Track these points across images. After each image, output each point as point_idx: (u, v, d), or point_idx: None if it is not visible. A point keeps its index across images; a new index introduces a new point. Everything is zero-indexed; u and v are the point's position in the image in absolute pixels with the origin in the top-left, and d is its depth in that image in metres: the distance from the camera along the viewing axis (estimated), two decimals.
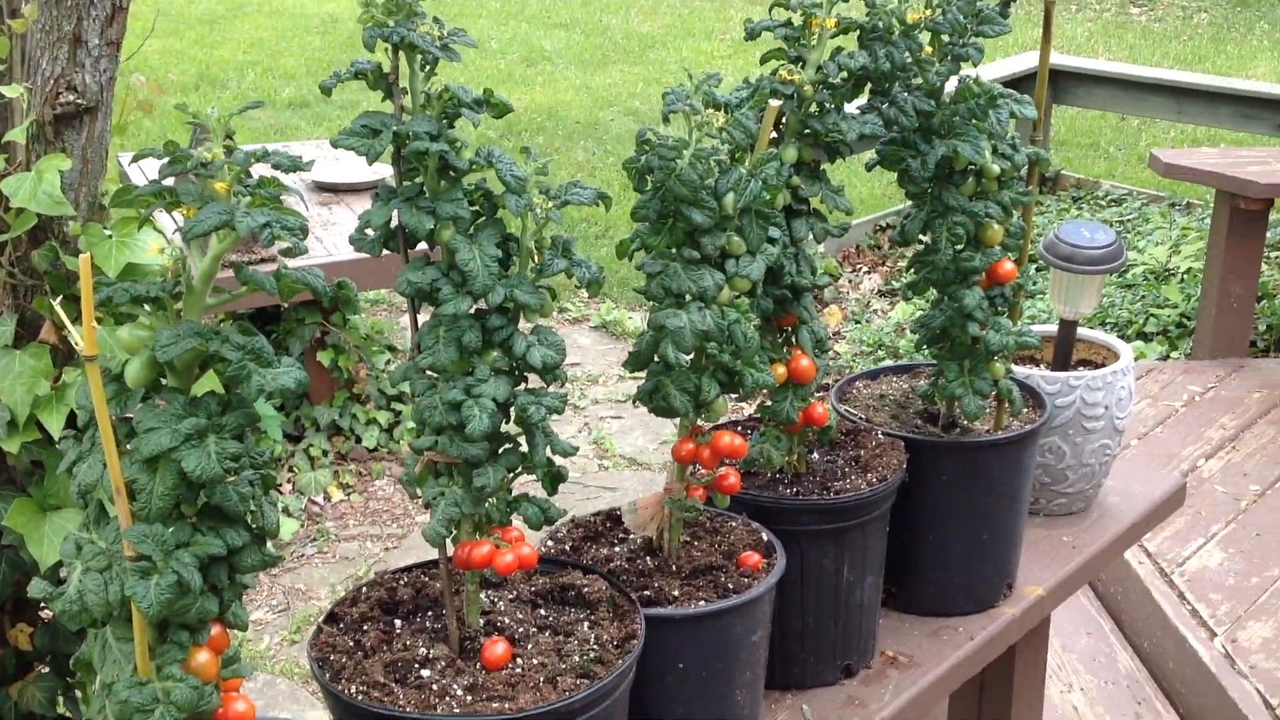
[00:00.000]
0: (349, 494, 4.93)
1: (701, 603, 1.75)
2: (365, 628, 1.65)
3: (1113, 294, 5.89)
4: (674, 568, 1.84)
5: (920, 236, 2.07)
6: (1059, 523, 2.52)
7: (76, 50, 1.48)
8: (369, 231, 1.58)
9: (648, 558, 1.86)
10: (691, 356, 1.78)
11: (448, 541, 1.63)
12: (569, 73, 11.49)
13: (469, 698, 1.53)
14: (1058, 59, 7.78)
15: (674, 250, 1.73)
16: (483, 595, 1.72)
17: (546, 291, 1.61)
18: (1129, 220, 6.81)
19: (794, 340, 1.99)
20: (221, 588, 1.24)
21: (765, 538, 1.91)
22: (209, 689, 1.23)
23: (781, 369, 1.95)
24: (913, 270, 2.11)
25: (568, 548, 1.90)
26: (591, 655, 1.60)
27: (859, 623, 2.07)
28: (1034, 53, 8.11)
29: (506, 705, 1.51)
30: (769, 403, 1.98)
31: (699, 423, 1.81)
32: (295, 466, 4.93)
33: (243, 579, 1.27)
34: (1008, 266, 2.08)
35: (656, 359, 1.74)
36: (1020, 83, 7.58)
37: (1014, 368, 2.43)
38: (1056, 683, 3.53)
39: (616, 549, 1.89)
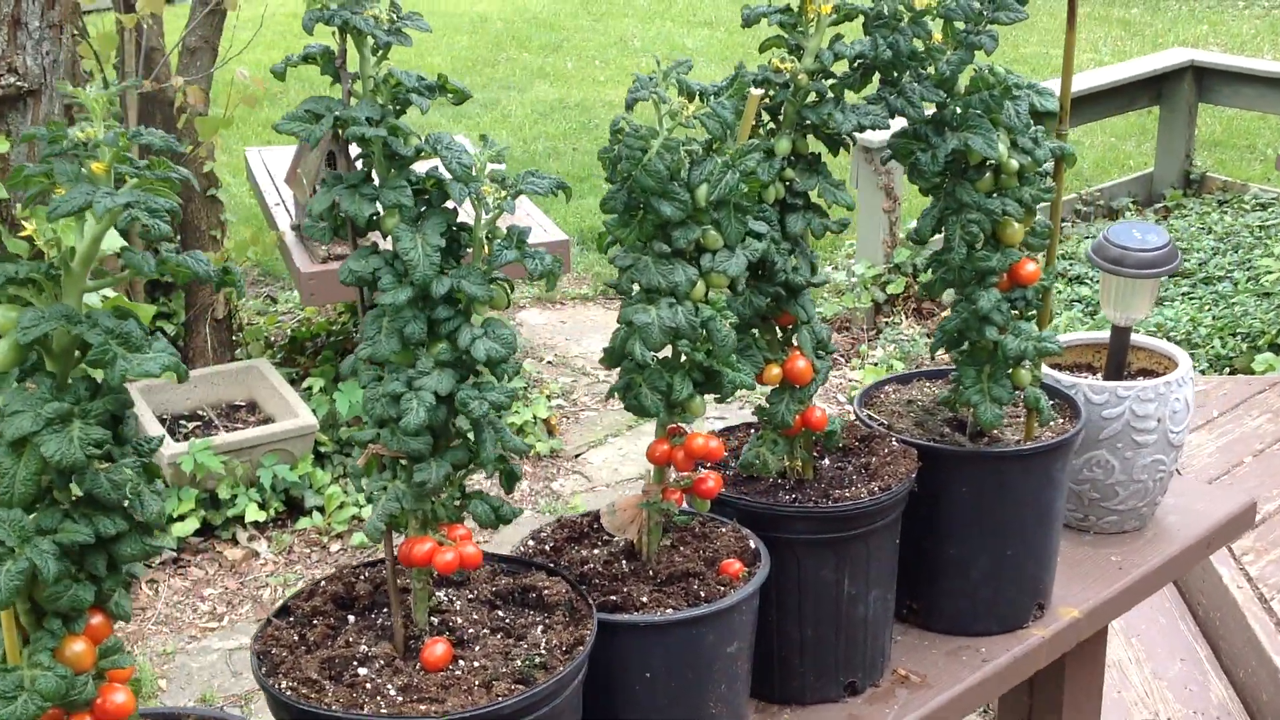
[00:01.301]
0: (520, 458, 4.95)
1: (670, 610, 1.69)
2: (315, 622, 1.62)
3: (1246, 302, 5.63)
4: (650, 572, 1.77)
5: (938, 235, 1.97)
6: (1109, 541, 2.38)
7: (16, 33, 1.48)
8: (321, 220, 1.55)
9: (625, 561, 1.80)
10: (670, 354, 1.71)
11: (398, 537, 1.59)
12: (708, 70, 11.43)
13: (400, 698, 1.49)
14: (1205, 56, 7.48)
15: (645, 244, 1.67)
16: (442, 594, 1.68)
17: (500, 284, 1.57)
18: (1270, 226, 6.50)
19: (793, 341, 1.91)
20: (100, 576, 1.21)
21: (752, 545, 1.83)
22: (82, 679, 1.21)
23: (776, 370, 1.87)
24: (929, 270, 2.01)
25: (548, 548, 1.85)
26: (535, 660, 1.55)
27: (864, 638, 1.98)
28: (1181, 49, 7.80)
29: (433, 708, 1.46)
30: (764, 405, 1.91)
31: (680, 424, 1.74)
32: None
33: (130, 569, 1.25)
34: (1030, 268, 1.97)
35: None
36: (1166, 79, 7.30)
37: (1062, 376, 2.31)
38: (1143, 710, 3.36)
39: (596, 551, 1.83)
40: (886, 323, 5.95)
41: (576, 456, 5.20)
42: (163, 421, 4.76)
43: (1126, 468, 2.32)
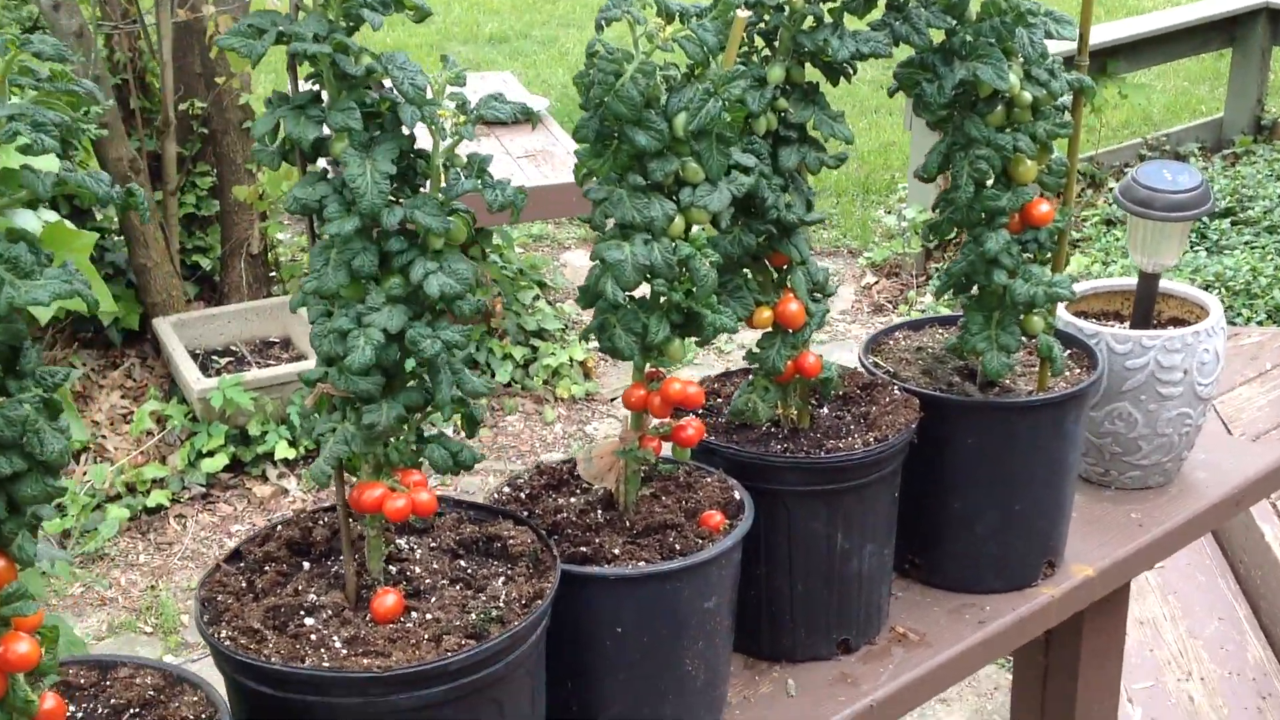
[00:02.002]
0: (481, 400, 4.89)
1: (642, 563, 1.60)
2: (266, 569, 1.56)
3: None
4: (627, 523, 1.69)
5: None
6: (1130, 498, 2.27)
7: None
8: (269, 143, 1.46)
9: (601, 511, 1.72)
10: (649, 294, 1.62)
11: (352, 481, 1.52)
12: None
13: (344, 651, 1.42)
14: None
15: (620, 176, 1.57)
16: (403, 541, 1.61)
17: (461, 216, 1.48)
18: None
19: (786, 282, 1.80)
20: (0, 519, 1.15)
21: (737, 496, 1.74)
22: None
23: (768, 313, 1.78)
24: (937, 209, 1.90)
25: (524, 495, 1.77)
26: (492, 614, 1.47)
27: (858, 594, 1.89)
28: None
29: (377, 662, 1.39)
30: (755, 350, 1.81)
31: (659, 368, 1.65)
32: None
33: (36, 511, 1.18)
34: (1044, 208, 1.85)
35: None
36: (1240, 21, 7.05)
37: (1085, 325, 2.19)
38: (1175, 670, 3.25)
39: (573, 500, 1.75)
40: (936, 268, 5.80)
41: (612, 400, 5.12)
42: (195, 357, 4.73)
43: (1150, 421, 2.20)
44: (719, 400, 1.98)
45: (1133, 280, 2.35)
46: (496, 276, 5.01)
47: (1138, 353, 2.16)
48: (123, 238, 4.80)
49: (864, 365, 2.04)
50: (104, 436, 4.51)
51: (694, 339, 1.65)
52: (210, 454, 4.48)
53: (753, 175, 1.65)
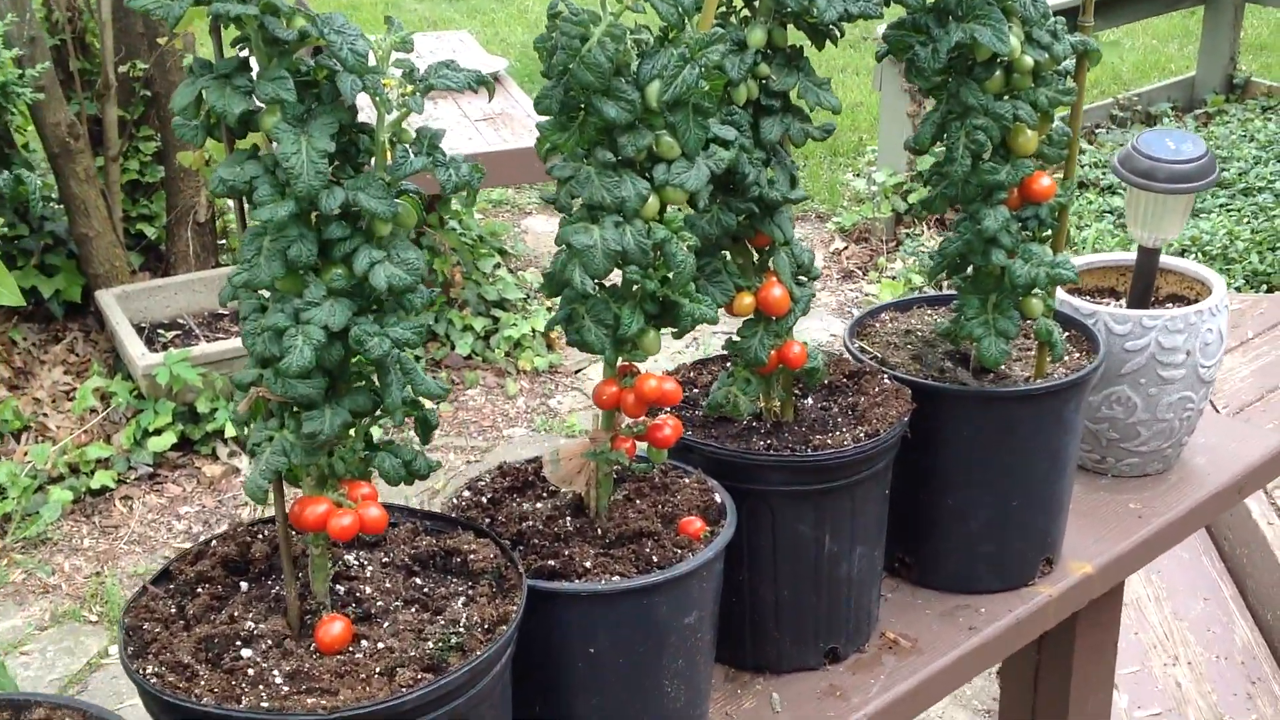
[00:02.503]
0: (438, 403, 4.72)
1: (615, 578, 1.46)
2: (199, 591, 1.40)
3: None
4: (599, 531, 1.55)
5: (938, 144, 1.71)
6: (1128, 486, 2.14)
7: None
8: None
9: (571, 518, 1.57)
10: (620, 282, 1.46)
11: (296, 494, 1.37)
12: None
13: (286, 688, 1.27)
14: None
15: (587, 152, 1.42)
16: (351, 556, 1.45)
17: (410, 198, 1.33)
18: None
19: (768, 265, 1.66)
20: None
21: (718, 500, 1.60)
22: None
23: (749, 299, 1.63)
24: (929, 183, 1.76)
25: (485, 499, 1.62)
26: (451, 641, 1.33)
27: (847, 599, 1.75)
28: None
29: (323, 700, 1.24)
30: (735, 338, 1.66)
31: (631, 361, 1.50)
32: None
33: None
34: (1045, 182, 1.71)
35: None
36: None
37: (1081, 303, 2.06)
38: (1161, 654, 3.14)
39: (539, 505, 1.60)
40: (907, 234, 5.67)
41: (577, 372, 4.97)
42: (140, 331, 4.55)
43: (1150, 405, 2.07)
44: (695, 390, 1.83)
45: (1128, 255, 2.22)
46: (455, 244, 4.84)
47: (1138, 333, 2.03)
48: (62, 206, 4.59)
49: (850, 351, 1.90)
50: (45, 415, 4.32)
51: (670, 330, 1.50)
52: (157, 432, 4.31)
53: (733, 149, 1.50)
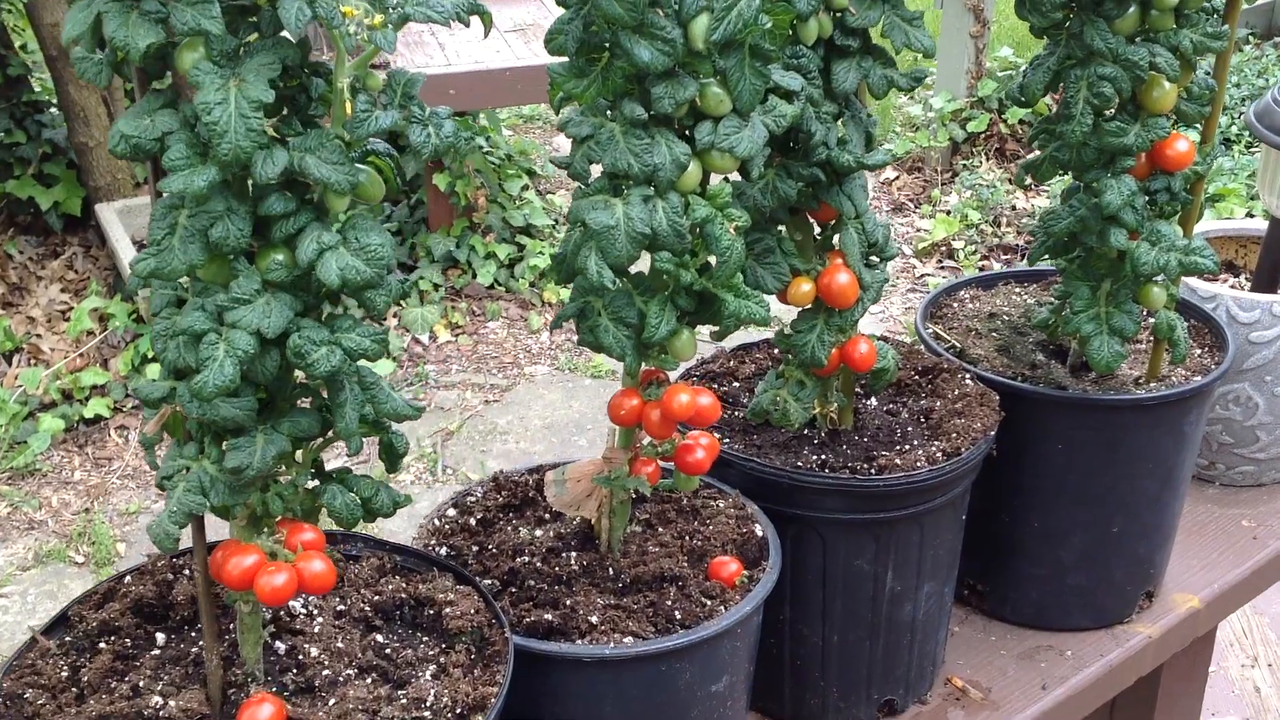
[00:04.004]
0: (457, 335, 4.43)
1: (627, 639, 1.16)
2: (101, 646, 1.11)
3: None
4: (610, 572, 1.25)
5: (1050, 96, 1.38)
6: (1240, 498, 1.83)
7: None
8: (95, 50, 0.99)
9: (577, 553, 1.27)
10: (648, 270, 1.15)
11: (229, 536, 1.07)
12: None
13: None
14: None
15: (611, 105, 1.10)
16: (300, 603, 1.16)
17: (381, 161, 1.02)
18: None
19: (833, 244, 1.34)
20: None
21: (759, 532, 1.30)
22: None
23: (807, 285, 1.31)
24: (1036, 143, 1.43)
25: (474, 521, 1.32)
26: None
27: (910, 645, 1.46)
28: None
29: None
30: (788, 332, 1.35)
31: (660, 368, 1.19)
32: (403, 299, 4.44)
33: None
34: (1181, 146, 1.38)
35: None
36: None
37: (1198, 284, 1.73)
38: (1238, 654, 2.84)
39: (540, 532, 1.30)
40: (964, 165, 5.30)
41: None
42: (143, 248, 4.25)
43: (1274, 407, 1.75)
44: (735, 384, 1.52)
45: (1253, 224, 1.89)
46: (481, 165, 4.50)
47: (1267, 322, 1.70)
48: (60, 112, 4.29)
49: (923, 339, 1.58)
50: (39, 336, 4.05)
51: (710, 329, 1.19)
52: (155, 359, 4.02)
53: (798, 102, 1.18)
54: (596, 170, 1.11)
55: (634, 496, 1.27)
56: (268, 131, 0.95)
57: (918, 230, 5.05)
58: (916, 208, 5.24)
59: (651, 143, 1.09)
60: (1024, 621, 1.61)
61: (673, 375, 1.22)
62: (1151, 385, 1.51)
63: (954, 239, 4.82)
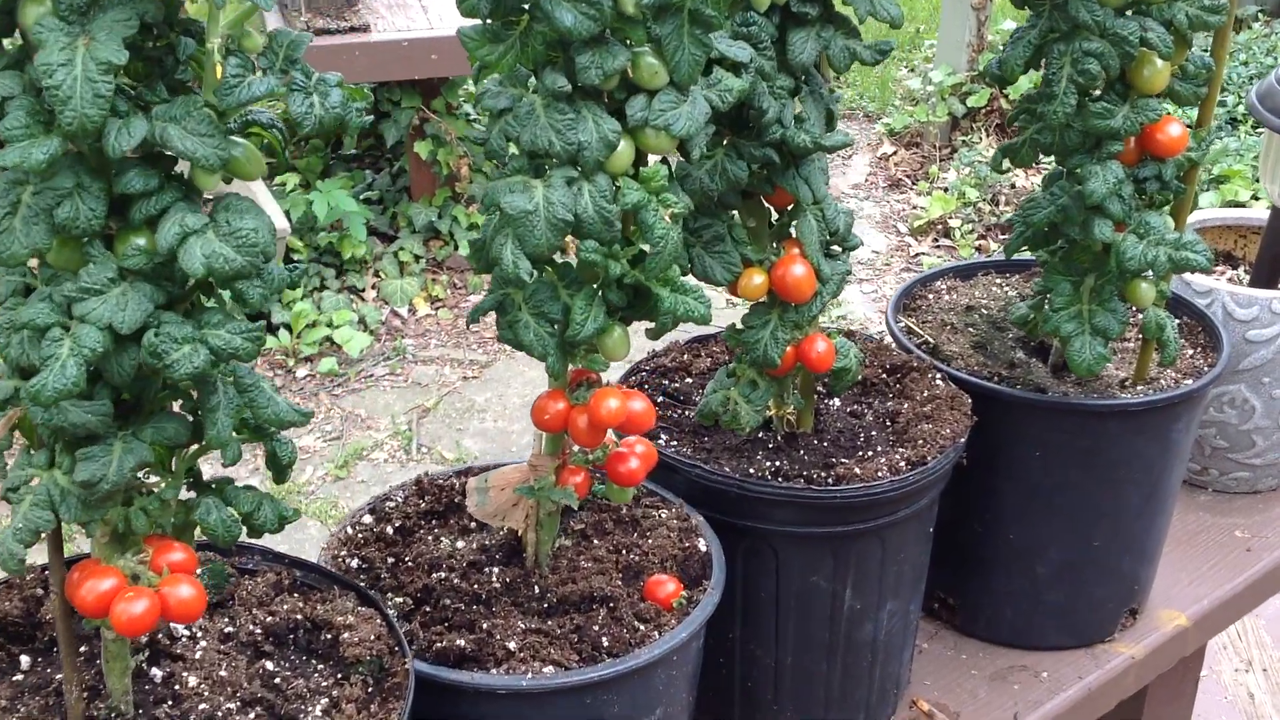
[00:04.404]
0: (437, 308, 4.31)
1: (548, 668, 1.05)
2: None
3: None
4: (536, 590, 1.14)
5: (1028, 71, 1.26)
6: (1233, 506, 1.72)
7: None
8: None
9: (501, 567, 1.16)
10: (575, 260, 1.03)
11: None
12: None
13: None
14: None
15: (533, 74, 0.98)
16: (180, 625, 1.05)
17: (270, 135, 0.89)
18: None
19: (790, 232, 1.22)
20: None
21: (702, 548, 1.19)
22: None
23: (760, 277, 1.19)
24: (1016, 124, 1.31)
25: (391, 530, 1.21)
26: None
27: (871, 667, 1.34)
28: None
29: None
30: (739, 328, 1.23)
31: (588, 368, 1.07)
32: (382, 271, 4.31)
33: None
34: (1174, 131, 1.26)
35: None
36: None
37: (1194, 279, 1.61)
38: (1232, 658, 2.73)
39: (462, 544, 1.19)
40: (963, 140, 5.16)
41: None
42: None
43: (1271, 410, 1.63)
44: (688, 381, 1.41)
45: (1252, 214, 1.76)
46: (462, 133, 4.37)
47: (1265, 320, 1.59)
48: None
49: (894, 333, 1.46)
50: None
51: (645, 325, 1.07)
52: None
53: (746, 76, 1.06)
54: (515, 149, 0.99)
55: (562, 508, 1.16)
56: (120, 97, 0.83)
57: (914, 208, 4.92)
58: (914, 184, 5.10)
59: (576, 118, 0.97)
60: (997, 639, 1.50)
61: (608, 376, 1.10)
62: (1138, 388, 1.40)
63: (950, 217, 4.69)
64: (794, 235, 1.21)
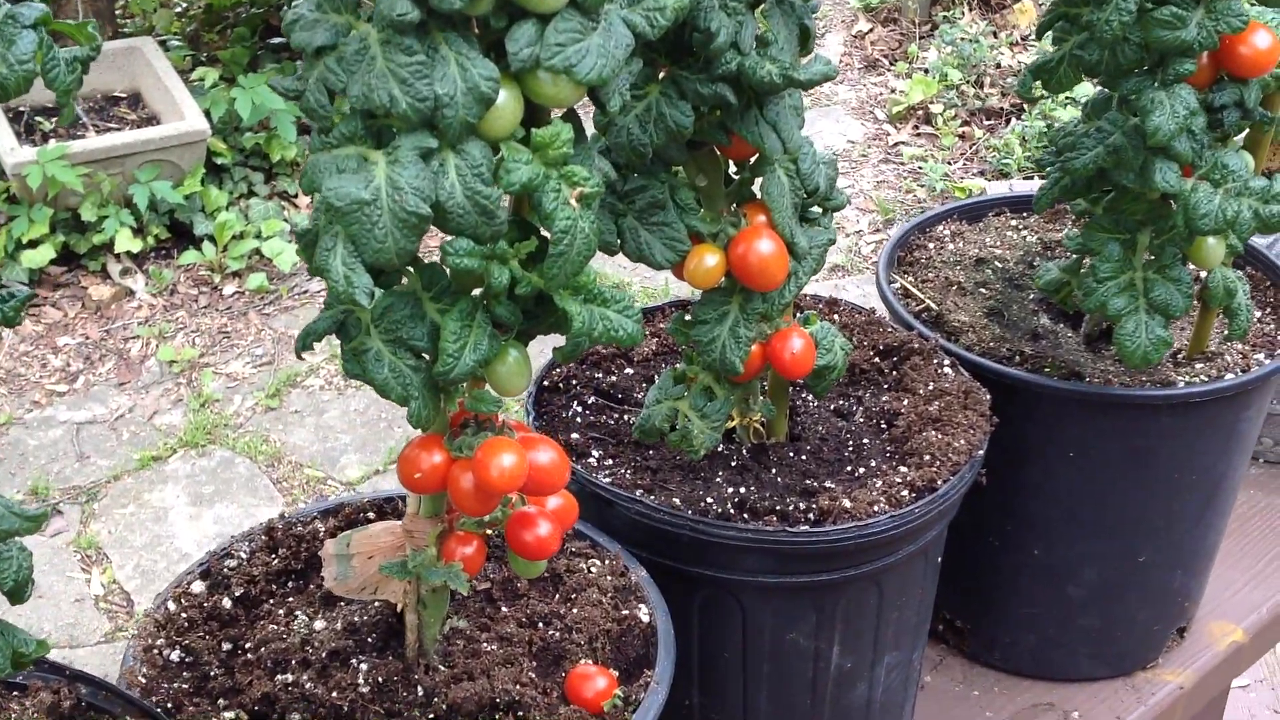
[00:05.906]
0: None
1: None
2: None
3: None
4: (419, 693, 0.84)
5: None
6: None
7: None
8: None
9: (371, 659, 0.86)
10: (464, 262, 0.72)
11: None
12: None
13: None
14: None
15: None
16: None
17: None
18: None
19: (752, 193, 0.91)
20: None
21: (644, 618, 0.89)
22: None
23: (715, 257, 0.88)
24: (1051, 34, 0.99)
25: (229, 601, 0.91)
26: None
27: None
28: None
29: None
30: (689, 319, 0.92)
31: (475, 407, 0.77)
32: None
33: None
34: (1262, 41, 0.95)
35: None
36: None
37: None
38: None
39: (322, 623, 0.89)
40: (945, 16, 4.79)
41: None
42: (18, 117, 3.76)
43: None
44: (628, 373, 1.10)
45: None
46: None
47: None
48: None
49: (887, 299, 1.16)
50: None
51: (550, 342, 0.77)
52: (33, 244, 3.57)
53: None
54: (342, 108, 0.68)
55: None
56: None
57: (893, 91, 4.57)
58: (891, 65, 4.75)
59: (431, 60, 0.65)
60: (1016, 670, 1.22)
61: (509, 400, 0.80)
62: (1197, 366, 1.10)
63: (932, 102, 4.35)
64: (758, 198, 0.89)
